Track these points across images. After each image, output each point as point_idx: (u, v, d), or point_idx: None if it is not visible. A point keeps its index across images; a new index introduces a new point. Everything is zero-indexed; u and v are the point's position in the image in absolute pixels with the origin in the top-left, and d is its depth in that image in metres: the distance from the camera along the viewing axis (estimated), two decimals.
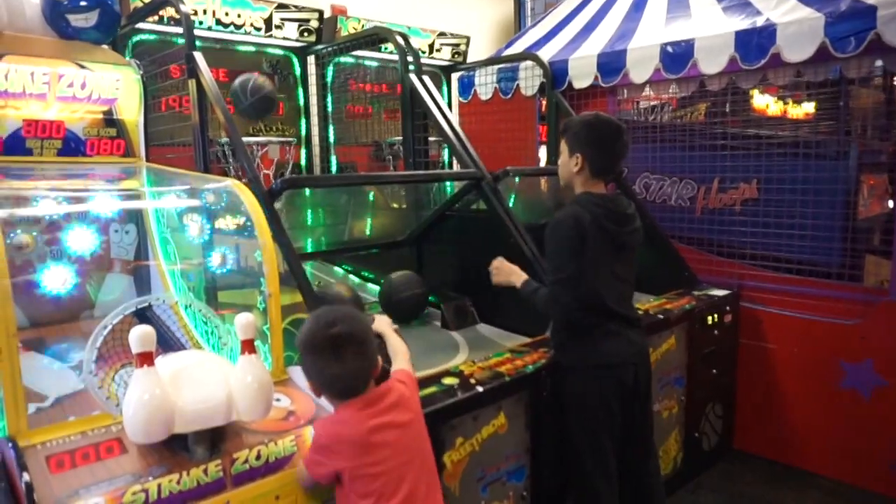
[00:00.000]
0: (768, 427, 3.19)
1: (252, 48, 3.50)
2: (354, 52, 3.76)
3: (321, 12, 3.52)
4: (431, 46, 4.11)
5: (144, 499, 1.37)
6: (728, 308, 3.01)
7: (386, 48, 3.83)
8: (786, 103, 4.39)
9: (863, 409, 2.86)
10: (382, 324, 1.88)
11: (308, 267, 3.53)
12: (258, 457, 1.56)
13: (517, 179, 3.87)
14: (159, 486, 1.41)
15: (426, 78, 3.03)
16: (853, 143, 3.20)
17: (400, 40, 3.04)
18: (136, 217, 2.74)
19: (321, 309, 1.58)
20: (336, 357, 1.46)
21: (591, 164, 2.02)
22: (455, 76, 4.43)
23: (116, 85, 2.60)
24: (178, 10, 2.37)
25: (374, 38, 3.30)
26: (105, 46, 2.75)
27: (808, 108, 4.11)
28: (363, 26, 3.72)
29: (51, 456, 1.47)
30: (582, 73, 3.64)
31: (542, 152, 4.18)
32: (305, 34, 3.47)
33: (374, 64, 4.01)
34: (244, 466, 1.53)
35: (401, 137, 3.28)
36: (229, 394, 1.53)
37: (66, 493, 1.35)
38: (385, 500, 1.45)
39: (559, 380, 2.06)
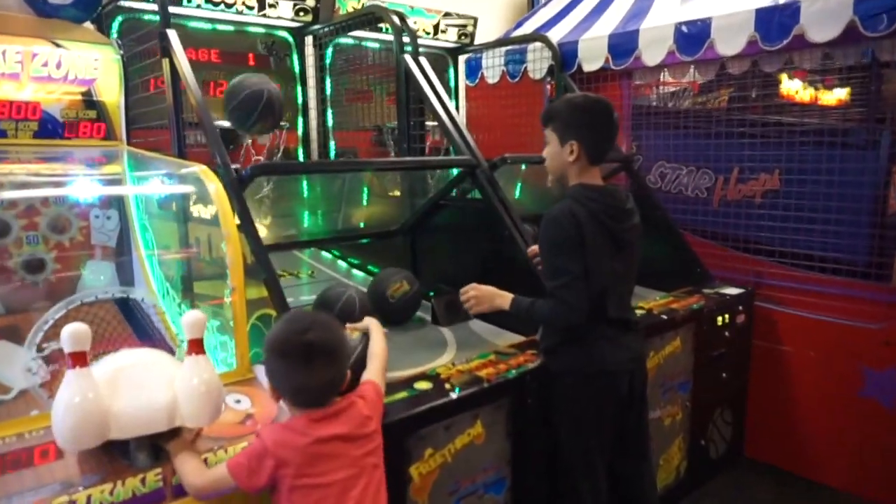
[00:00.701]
0: (781, 435, 2.99)
1: (247, 28, 3.36)
2: (355, 34, 3.61)
3: None
4: (436, 27, 3.94)
5: None
6: (741, 308, 2.81)
7: (387, 29, 3.66)
8: (816, 88, 4.13)
9: (883, 419, 2.65)
10: (373, 323, 1.76)
11: (306, 256, 3.43)
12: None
13: (523, 167, 3.71)
14: (89, 497, 1.30)
15: (423, 59, 2.87)
16: (885, 131, 2.95)
17: (395, 19, 2.88)
18: (118, 203, 2.64)
19: (294, 312, 1.50)
20: (306, 365, 1.36)
21: (588, 150, 1.83)
22: (462, 59, 4.25)
23: (95, 65, 2.49)
24: None
25: (370, 17, 3.14)
26: (87, 25, 2.65)
27: (836, 93, 3.86)
28: (363, 6, 3.56)
29: None
30: (592, 55, 3.44)
31: None
32: (301, 14, 3.33)
33: (376, 46, 3.85)
34: None
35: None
36: (172, 398, 1.41)
37: None
38: None
39: (547, 386, 1.91)
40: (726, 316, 2.70)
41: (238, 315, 1.81)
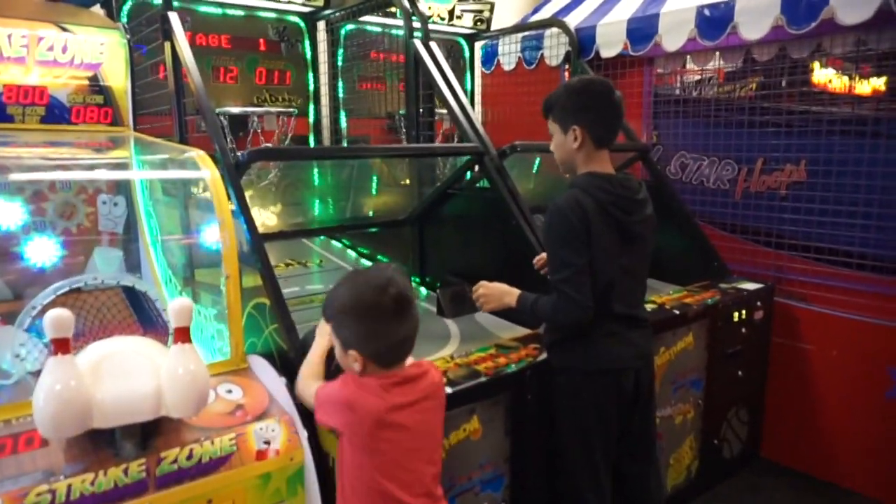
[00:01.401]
0: (801, 436, 2.88)
1: (257, 14, 3.33)
2: (368, 19, 3.55)
3: None
4: (451, 13, 3.86)
5: (50, 500, 1.25)
6: (759, 303, 2.70)
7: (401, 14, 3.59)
8: (850, 77, 3.96)
9: None
10: None
11: (315, 244, 3.41)
12: (189, 456, 1.42)
13: (538, 156, 3.63)
14: (69, 486, 1.28)
15: (433, 45, 2.80)
16: None
17: (406, 4, 2.81)
18: (125, 189, 2.63)
19: (355, 272, 1.48)
20: (400, 320, 1.35)
21: (593, 133, 1.75)
22: (478, 45, 4.16)
23: (101, 49, 2.48)
24: None
25: (381, 2, 3.08)
26: (95, 9, 2.64)
27: (871, 81, 3.68)
28: None
29: None
30: (610, 41, 3.34)
31: None
32: None
33: (389, 31, 3.78)
34: (172, 467, 1.39)
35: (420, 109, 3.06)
36: (157, 387, 1.39)
37: None
38: (387, 479, 1.35)
39: (549, 382, 1.84)
40: (743, 312, 2.60)
41: (232, 303, 1.78)
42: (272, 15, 3.38)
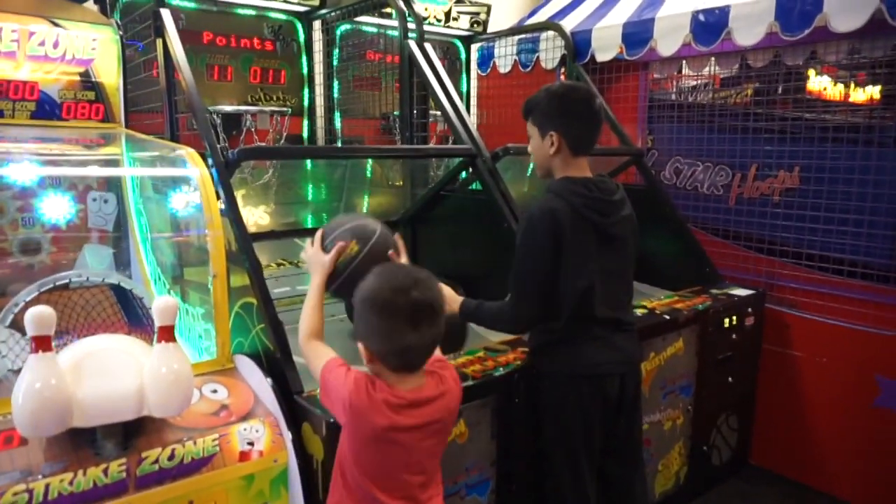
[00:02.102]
0: (790, 443, 2.88)
1: (253, 12, 3.31)
2: (364, 19, 3.54)
3: None
4: (448, 14, 3.85)
5: (27, 500, 1.23)
6: (750, 310, 2.70)
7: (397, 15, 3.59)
8: (845, 85, 3.97)
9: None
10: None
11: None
12: (171, 457, 1.41)
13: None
14: (47, 486, 1.27)
15: (428, 46, 2.80)
16: None
17: (401, 4, 2.81)
18: (116, 186, 2.61)
19: (391, 267, 1.38)
20: (413, 326, 1.25)
21: (571, 140, 1.73)
22: (474, 47, 4.16)
23: (93, 45, 2.46)
24: None
25: (377, 2, 3.07)
26: (88, 4, 2.62)
27: (865, 89, 3.69)
28: None
29: None
30: (605, 45, 3.33)
31: None
32: None
33: (385, 32, 3.77)
34: (153, 467, 1.38)
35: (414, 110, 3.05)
36: (140, 386, 1.38)
37: None
38: (369, 480, 1.29)
39: (537, 386, 1.83)
40: (734, 318, 2.59)
41: (219, 302, 1.77)
42: (267, 14, 3.37)
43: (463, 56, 4.20)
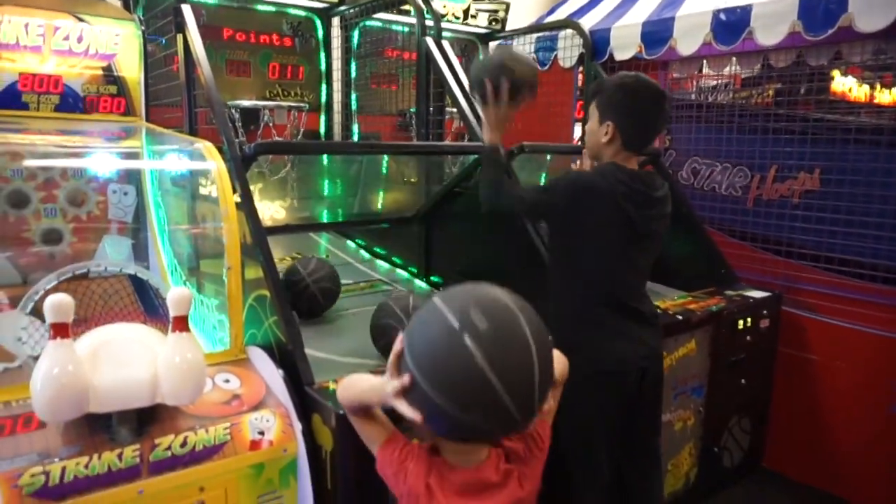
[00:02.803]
0: (804, 447, 2.85)
1: (272, 8, 3.35)
2: (382, 16, 3.56)
3: None
4: (466, 12, 3.86)
5: (44, 482, 1.27)
6: (766, 312, 2.67)
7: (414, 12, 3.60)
8: (871, 86, 3.90)
9: None
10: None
11: (322, 240, 3.43)
12: (183, 444, 1.43)
13: (549, 157, 3.63)
14: (63, 468, 1.30)
15: (445, 43, 2.80)
16: None
17: (419, 1, 2.82)
18: (135, 178, 2.66)
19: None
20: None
21: (625, 135, 1.73)
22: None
23: (115, 40, 2.51)
24: None
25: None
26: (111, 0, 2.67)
27: (889, 90, 3.63)
28: None
29: None
30: (624, 44, 3.31)
31: (578, 130, 3.88)
32: None
33: (403, 29, 3.79)
34: (165, 453, 1.41)
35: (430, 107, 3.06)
36: (154, 374, 1.40)
37: None
38: None
39: None
40: (748, 320, 2.57)
41: (233, 294, 1.79)
42: (287, 10, 3.40)
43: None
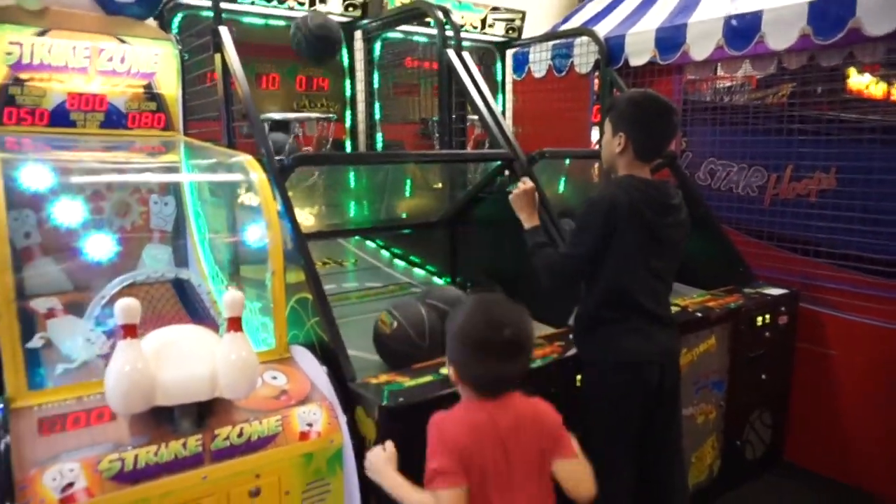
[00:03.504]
0: (825, 441, 2.91)
1: None
2: (404, 28, 3.69)
3: None
4: (483, 21, 3.97)
5: (120, 467, 1.39)
6: (783, 308, 2.74)
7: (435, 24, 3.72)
8: (889, 83, 3.94)
9: None
10: None
11: (351, 244, 3.54)
12: (240, 434, 1.56)
13: (567, 162, 3.72)
14: (136, 456, 1.42)
15: (466, 54, 2.92)
16: None
17: (439, 15, 2.94)
18: (175, 189, 2.80)
19: (485, 301, 1.44)
20: (501, 361, 1.36)
21: (636, 145, 1.88)
22: (509, 53, 4.27)
23: (155, 59, 2.64)
24: None
25: (416, 12, 3.21)
26: (149, 21, 2.81)
27: None
28: (411, 1, 3.63)
29: (44, 419, 1.51)
30: (639, 50, 3.41)
31: (596, 134, 3.97)
32: (350, 9, 3.42)
33: (424, 40, 3.91)
34: (225, 443, 1.53)
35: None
36: (213, 370, 1.53)
37: (48, 456, 1.38)
38: None
39: (574, 378, 1.94)
40: (766, 316, 2.64)
41: (277, 297, 1.91)
42: None
43: (498, 61, 4.31)
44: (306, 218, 3.19)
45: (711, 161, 3.58)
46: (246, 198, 2.18)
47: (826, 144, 3.02)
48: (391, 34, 3.75)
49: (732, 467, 2.67)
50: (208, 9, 3.05)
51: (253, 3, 3.16)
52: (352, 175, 3.25)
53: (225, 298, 1.56)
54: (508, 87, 4.35)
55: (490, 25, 4.02)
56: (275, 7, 3.22)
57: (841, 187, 2.95)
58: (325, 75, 3.62)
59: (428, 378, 1.76)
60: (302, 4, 3.27)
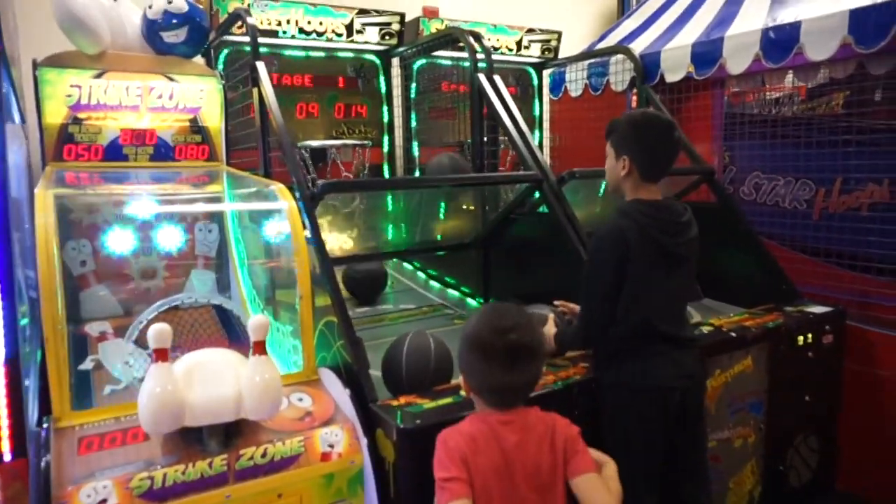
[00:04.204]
0: (880, 469, 2.75)
1: (337, 54, 3.62)
2: (439, 53, 3.77)
3: (402, 15, 3.56)
4: (519, 43, 4.02)
5: (149, 485, 1.48)
6: (828, 327, 2.63)
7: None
8: None
9: None
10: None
11: (389, 267, 3.62)
12: (264, 454, 1.62)
13: (604, 182, 3.69)
14: (165, 474, 1.50)
15: (497, 77, 2.96)
16: None
17: (471, 40, 3.00)
18: (218, 217, 2.95)
19: (496, 307, 1.47)
20: (506, 367, 1.37)
21: (640, 167, 1.85)
22: (546, 73, 4.29)
23: (200, 94, 2.81)
24: (244, 23, 2.50)
25: (449, 38, 3.28)
26: (196, 59, 2.99)
27: None
28: (446, 27, 3.72)
29: (84, 437, 1.62)
30: (674, 65, 3.37)
31: None
32: (387, 38, 3.53)
33: (460, 63, 3.98)
34: (249, 463, 1.60)
35: (485, 138, 3.23)
36: (238, 392, 1.60)
37: (85, 473, 1.48)
38: None
39: (597, 400, 1.92)
40: (809, 336, 2.54)
41: (305, 321, 1.99)
42: (350, 55, 3.67)
43: (535, 81, 4.34)
44: (345, 241, 3.29)
45: (756, 175, 3.48)
46: (278, 225, 2.28)
47: (879, 156, 2.89)
48: (427, 60, 3.84)
49: (775, 494, 2.56)
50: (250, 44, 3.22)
51: (293, 38, 3.30)
52: (388, 199, 3.33)
53: (250, 323, 1.63)
54: (545, 106, 4.37)
55: (525, 47, 4.07)
56: (314, 39, 3.36)
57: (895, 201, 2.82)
58: (364, 102, 3.74)
59: (448, 400, 1.79)
60: (339, 36, 3.40)
